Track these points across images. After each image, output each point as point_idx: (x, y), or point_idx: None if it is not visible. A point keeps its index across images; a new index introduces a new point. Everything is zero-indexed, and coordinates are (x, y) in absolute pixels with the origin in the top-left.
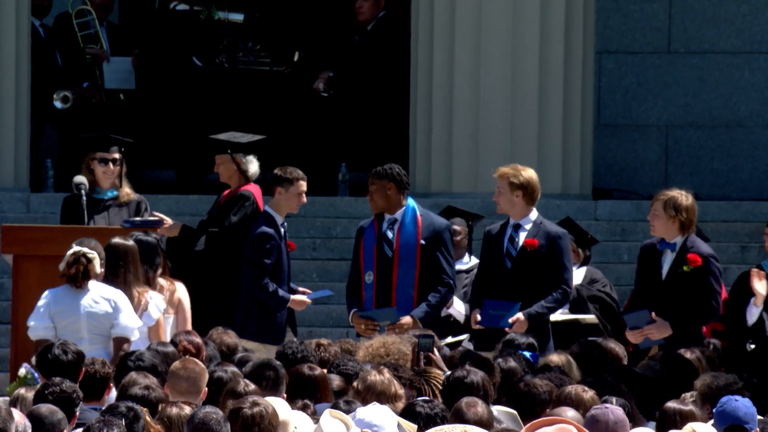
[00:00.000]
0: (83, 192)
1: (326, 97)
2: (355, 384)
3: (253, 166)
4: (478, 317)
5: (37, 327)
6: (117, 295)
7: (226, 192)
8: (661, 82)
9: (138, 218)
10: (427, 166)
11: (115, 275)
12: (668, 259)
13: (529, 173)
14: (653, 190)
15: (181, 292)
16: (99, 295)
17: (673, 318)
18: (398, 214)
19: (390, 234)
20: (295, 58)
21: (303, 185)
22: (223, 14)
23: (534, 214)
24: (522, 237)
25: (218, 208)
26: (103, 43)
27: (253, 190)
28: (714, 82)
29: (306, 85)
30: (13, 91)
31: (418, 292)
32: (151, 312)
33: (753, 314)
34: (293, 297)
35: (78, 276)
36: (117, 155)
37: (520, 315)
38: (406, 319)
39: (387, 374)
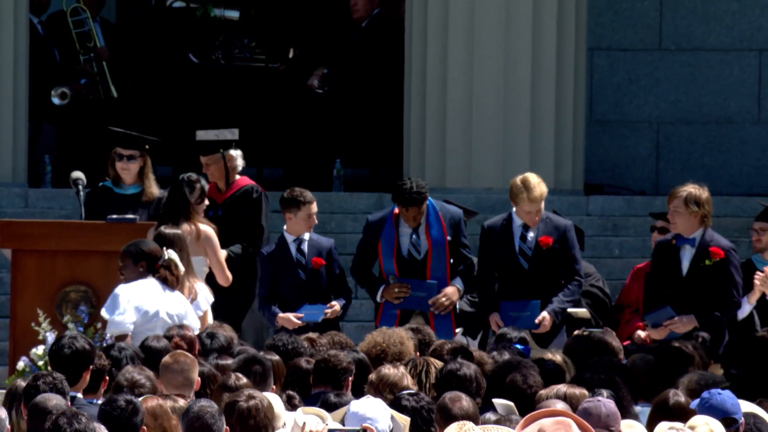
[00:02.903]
0: (80, 187)
1: (321, 93)
2: (371, 377)
3: (239, 160)
4: (501, 322)
5: (120, 321)
6: (182, 298)
7: (230, 191)
8: (652, 79)
9: (115, 215)
10: (421, 161)
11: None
12: (687, 254)
13: (539, 177)
14: (644, 185)
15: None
16: (172, 297)
17: (697, 311)
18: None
19: (418, 238)
20: (291, 54)
21: (310, 208)
22: (219, 11)
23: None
24: (533, 235)
25: (225, 207)
26: (97, 41)
27: (248, 181)
28: (704, 78)
29: (301, 82)
30: (11, 88)
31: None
32: (200, 303)
33: (745, 310)
34: (280, 315)
35: (167, 280)
36: (134, 152)
37: (545, 314)
38: (451, 290)
39: (401, 368)
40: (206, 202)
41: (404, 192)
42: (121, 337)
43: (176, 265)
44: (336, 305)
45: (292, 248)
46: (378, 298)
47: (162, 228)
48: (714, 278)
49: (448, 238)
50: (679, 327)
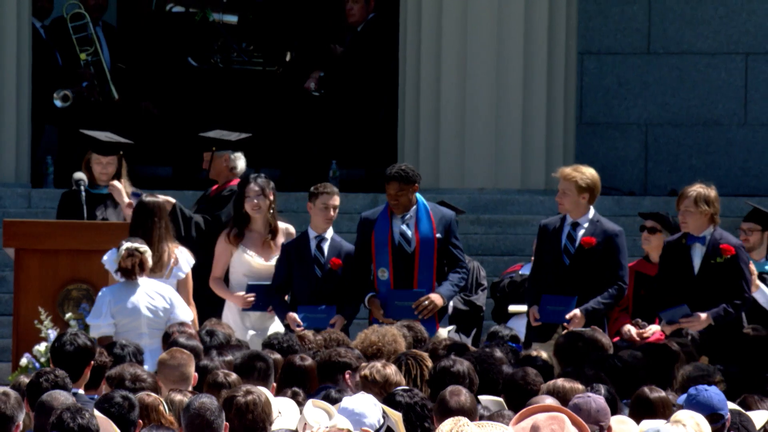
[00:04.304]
0: (82, 187)
1: (317, 96)
2: (367, 373)
3: (240, 162)
4: (537, 314)
5: (99, 325)
6: (169, 290)
7: (214, 187)
8: (641, 82)
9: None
10: (415, 162)
11: (147, 231)
12: (698, 252)
13: (593, 173)
14: (634, 186)
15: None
16: (154, 291)
17: (712, 308)
18: (412, 210)
19: (408, 230)
20: (287, 58)
21: (327, 199)
22: (217, 16)
23: (591, 212)
24: (580, 234)
25: (206, 202)
26: (98, 46)
27: None
28: (692, 81)
29: (298, 85)
30: (15, 90)
31: (437, 286)
32: (182, 266)
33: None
34: (290, 314)
35: (134, 269)
36: (111, 158)
37: (577, 311)
38: (434, 296)
39: (394, 367)
40: (265, 196)
41: (389, 168)
42: (104, 340)
43: (128, 255)
44: (338, 322)
45: (312, 244)
46: (365, 302)
47: (143, 196)
48: (726, 274)
49: (438, 235)
50: (695, 325)
